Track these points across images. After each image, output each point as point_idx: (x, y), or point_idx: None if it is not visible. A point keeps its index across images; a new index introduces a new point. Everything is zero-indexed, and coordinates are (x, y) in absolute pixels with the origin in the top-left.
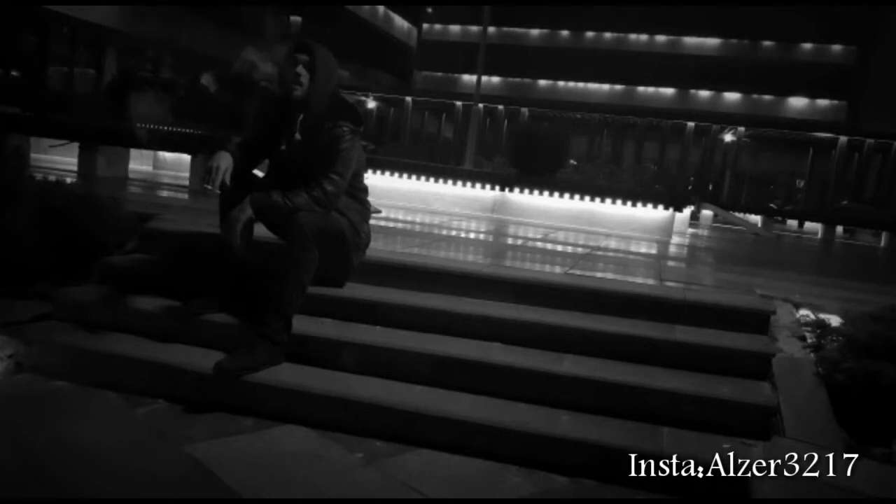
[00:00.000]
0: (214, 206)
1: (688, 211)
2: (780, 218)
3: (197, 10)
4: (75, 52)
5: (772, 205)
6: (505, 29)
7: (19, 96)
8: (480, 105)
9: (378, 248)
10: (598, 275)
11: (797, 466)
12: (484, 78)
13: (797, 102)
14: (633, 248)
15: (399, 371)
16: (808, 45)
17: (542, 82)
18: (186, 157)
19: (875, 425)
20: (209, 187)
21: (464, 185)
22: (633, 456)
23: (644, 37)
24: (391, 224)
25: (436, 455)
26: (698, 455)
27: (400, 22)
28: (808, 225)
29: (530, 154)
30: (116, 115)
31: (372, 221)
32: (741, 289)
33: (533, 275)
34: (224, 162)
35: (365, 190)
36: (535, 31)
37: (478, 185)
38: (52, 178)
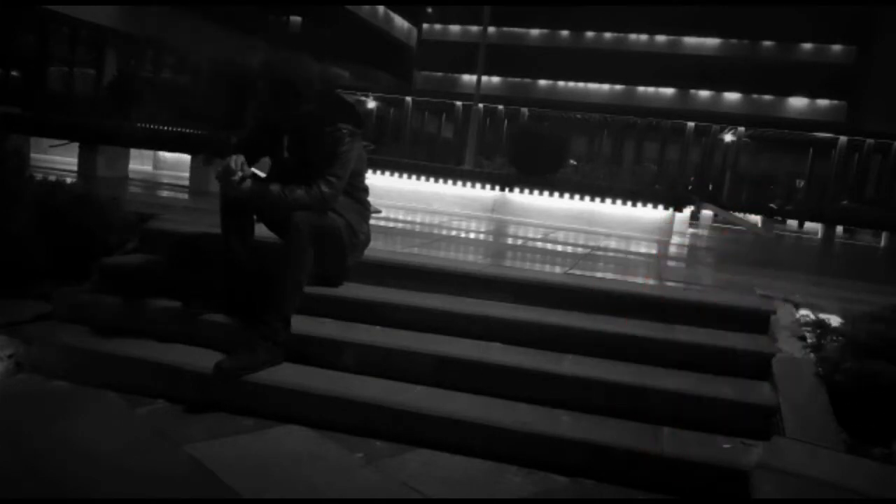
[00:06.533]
0: (214, 206)
1: (688, 211)
2: (780, 218)
3: (196, 9)
4: (75, 52)
5: (772, 205)
6: (505, 29)
7: (19, 96)
8: (480, 105)
9: (378, 248)
10: (599, 275)
11: (797, 466)
12: (484, 78)
13: (797, 102)
14: (633, 248)
15: (399, 371)
16: (808, 45)
17: (542, 82)
18: (186, 157)
19: (875, 425)
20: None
21: (464, 185)
22: (633, 456)
23: (644, 37)
24: (391, 224)
25: (436, 455)
26: (698, 455)
27: (400, 22)
28: (808, 225)
29: (530, 154)
30: (116, 115)
31: (372, 221)
32: (741, 289)
33: (533, 275)
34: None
35: (365, 190)
36: (535, 31)
37: (478, 185)
38: (52, 178)
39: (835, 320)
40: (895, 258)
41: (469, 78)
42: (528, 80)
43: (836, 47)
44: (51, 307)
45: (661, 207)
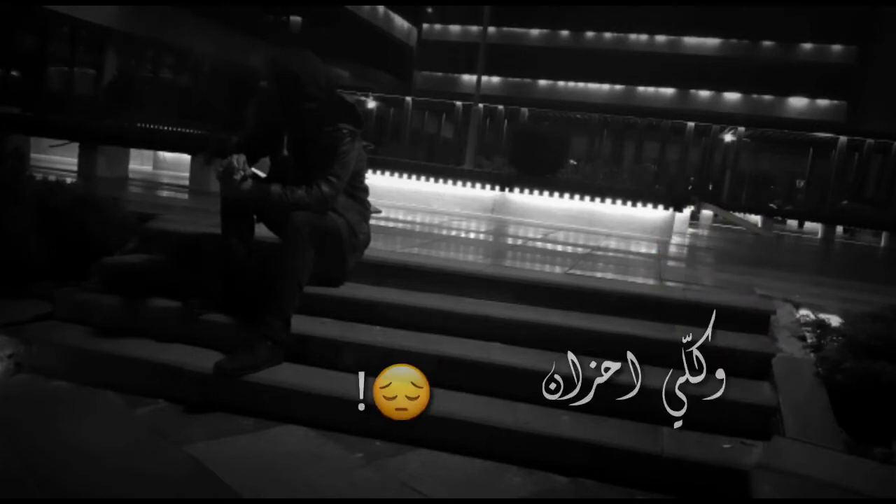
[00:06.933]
0: (214, 206)
1: (688, 211)
2: (780, 218)
3: (197, 9)
4: (75, 52)
5: (772, 205)
6: (505, 29)
7: (19, 96)
8: (480, 105)
9: (378, 248)
10: (598, 275)
11: (797, 466)
12: (484, 78)
13: (797, 102)
14: (633, 248)
15: None
16: (808, 45)
17: (542, 82)
18: (186, 157)
19: (875, 425)
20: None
21: (464, 185)
22: (633, 456)
23: (644, 37)
24: (391, 224)
25: (436, 455)
26: (698, 455)
27: (400, 22)
28: (808, 225)
29: (530, 154)
30: (116, 115)
31: (372, 221)
32: (741, 289)
33: (533, 275)
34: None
35: (365, 190)
36: (535, 31)
37: (478, 185)
38: (52, 178)
39: (835, 320)
40: (895, 258)
41: (469, 78)
42: (528, 80)
43: (836, 47)
44: (51, 307)
45: (661, 207)
